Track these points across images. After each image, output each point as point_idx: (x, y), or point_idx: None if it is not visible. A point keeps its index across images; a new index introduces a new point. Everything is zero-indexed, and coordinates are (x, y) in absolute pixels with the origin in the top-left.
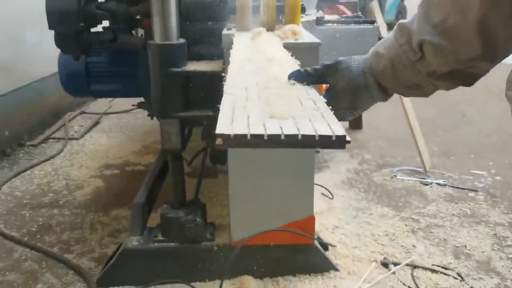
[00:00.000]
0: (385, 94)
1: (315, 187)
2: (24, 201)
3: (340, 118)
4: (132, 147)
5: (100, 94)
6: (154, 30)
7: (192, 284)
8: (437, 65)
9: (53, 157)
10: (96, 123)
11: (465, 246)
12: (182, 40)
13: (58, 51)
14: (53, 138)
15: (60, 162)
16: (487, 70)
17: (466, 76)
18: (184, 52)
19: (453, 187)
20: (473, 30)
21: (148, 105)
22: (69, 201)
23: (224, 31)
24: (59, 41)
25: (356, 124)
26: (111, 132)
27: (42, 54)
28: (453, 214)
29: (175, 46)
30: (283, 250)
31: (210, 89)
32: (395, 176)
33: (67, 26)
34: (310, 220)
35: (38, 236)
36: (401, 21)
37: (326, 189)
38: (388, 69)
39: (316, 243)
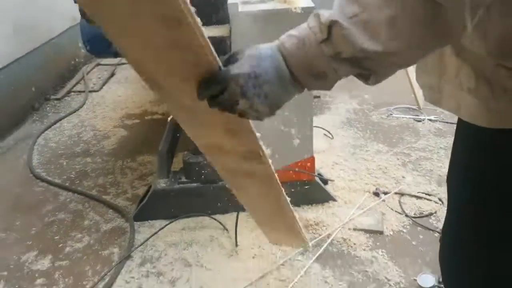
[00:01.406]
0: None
1: (317, 129)
2: (59, 152)
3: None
4: (148, 96)
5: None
6: None
7: (213, 216)
8: (341, 47)
9: (77, 109)
10: (112, 74)
11: None
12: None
13: (72, 6)
14: (74, 91)
15: (84, 114)
16: (386, 73)
17: (365, 68)
18: None
19: (443, 122)
20: (383, 26)
21: None
22: (99, 149)
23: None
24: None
25: None
26: (127, 83)
27: (58, 10)
28: (440, 147)
29: None
30: (289, 186)
31: (219, 53)
32: (391, 114)
33: None
34: (311, 160)
35: (77, 182)
36: (317, 10)
37: (327, 130)
38: (295, 49)
39: (317, 179)
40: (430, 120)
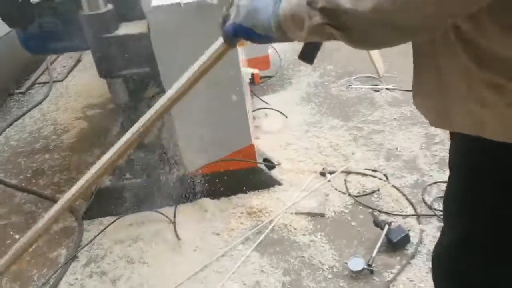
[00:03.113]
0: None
1: (272, 111)
2: (19, 150)
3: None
4: None
5: (57, 50)
6: (82, 1)
7: (158, 210)
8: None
9: (40, 102)
10: (78, 61)
11: (397, 148)
12: (110, 7)
13: None
14: (39, 83)
15: (47, 107)
16: (364, 32)
17: (339, 22)
18: (113, 17)
19: (401, 90)
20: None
21: None
22: (58, 145)
23: None
24: (5, 17)
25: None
26: (93, 69)
27: None
28: (394, 118)
29: (103, 14)
30: (233, 174)
31: (142, 48)
32: (350, 85)
33: (9, 3)
34: (250, 148)
35: (34, 181)
36: None
37: (280, 111)
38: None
39: (261, 165)
40: (387, 89)
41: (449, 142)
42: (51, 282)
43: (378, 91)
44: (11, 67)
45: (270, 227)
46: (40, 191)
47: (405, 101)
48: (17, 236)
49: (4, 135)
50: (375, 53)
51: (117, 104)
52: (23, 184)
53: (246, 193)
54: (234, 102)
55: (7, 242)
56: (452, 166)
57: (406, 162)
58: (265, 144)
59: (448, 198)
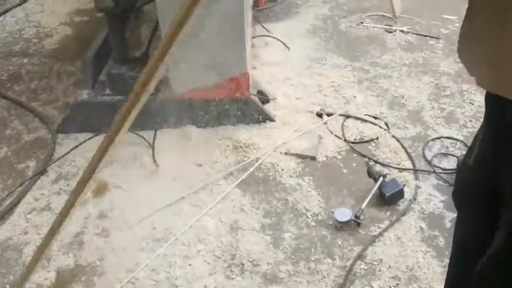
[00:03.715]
0: None
1: (274, 40)
2: None
3: None
4: None
5: None
6: None
7: (138, 132)
8: None
9: (24, 1)
10: None
11: (403, 96)
12: None
13: None
14: None
15: (31, 7)
16: None
17: None
18: None
19: (416, 34)
20: None
21: None
22: (39, 49)
23: None
24: None
25: None
26: None
27: None
28: (404, 64)
29: None
30: (223, 104)
31: None
32: (362, 23)
33: None
34: (245, 77)
35: (8, 85)
36: None
37: (282, 42)
38: None
39: (254, 98)
40: (402, 31)
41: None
42: (15, 195)
43: (391, 32)
44: None
45: (256, 164)
46: (14, 97)
47: (418, 47)
48: None
49: None
50: None
51: (100, 8)
52: None
53: (235, 125)
54: (232, 21)
55: None
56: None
57: (410, 113)
58: (261, 75)
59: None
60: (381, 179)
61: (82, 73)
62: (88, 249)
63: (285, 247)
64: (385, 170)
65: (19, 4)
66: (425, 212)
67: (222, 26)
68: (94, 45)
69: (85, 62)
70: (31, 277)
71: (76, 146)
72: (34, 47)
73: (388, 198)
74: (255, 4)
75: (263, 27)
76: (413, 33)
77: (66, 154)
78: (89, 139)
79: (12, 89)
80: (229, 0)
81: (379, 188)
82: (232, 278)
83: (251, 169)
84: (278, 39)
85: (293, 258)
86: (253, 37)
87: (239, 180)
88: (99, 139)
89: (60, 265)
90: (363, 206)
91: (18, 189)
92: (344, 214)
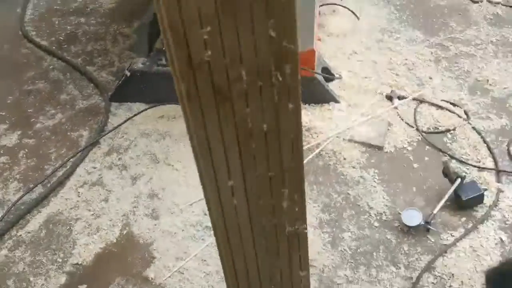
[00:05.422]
0: None
1: (342, 8)
2: (55, 7)
3: None
4: None
5: None
6: None
7: None
8: None
9: None
10: None
11: (487, 80)
12: None
13: None
14: None
15: None
16: None
17: None
18: None
19: (506, 6)
20: None
21: None
22: (96, 8)
23: None
24: None
25: None
26: None
27: None
28: (491, 42)
29: None
30: None
31: None
32: None
33: None
34: (310, 54)
35: (65, 46)
36: None
37: (351, 10)
38: None
39: (318, 76)
40: (489, 1)
41: None
42: (68, 166)
43: (476, 2)
44: None
45: (317, 151)
46: (71, 58)
47: (509, 22)
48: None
49: None
50: None
51: None
52: (54, 48)
53: None
54: None
55: (29, 111)
56: None
57: (495, 100)
58: (326, 49)
59: None
60: (458, 180)
61: (138, 37)
62: (138, 230)
63: (344, 249)
64: (462, 168)
65: None
66: (508, 222)
67: None
68: (152, 8)
69: (142, 27)
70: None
71: (129, 118)
72: (92, 5)
73: (465, 202)
74: None
75: None
76: (503, 5)
77: (118, 125)
78: (143, 110)
79: (69, 50)
80: None
81: (455, 191)
82: None
83: (311, 155)
84: (346, 8)
85: (352, 262)
86: (320, 5)
87: None
88: (154, 111)
89: (108, 243)
90: (436, 210)
91: (70, 160)
92: (413, 217)
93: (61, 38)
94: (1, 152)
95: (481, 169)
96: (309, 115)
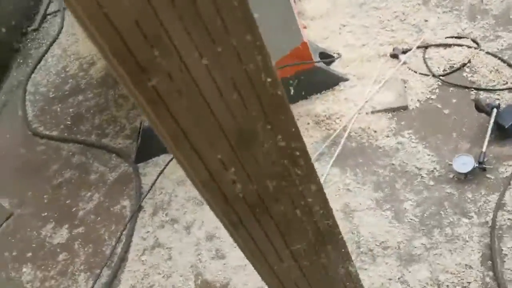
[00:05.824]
0: None
1: None
2: (51, 96)
3: None
4: None
5: None
6: None
7: None
8: None
9: (57, 37)
10: None
11: (482, 0)
12: None
13: None
14: (50, 14)
15: (65, 40)
16: None
17: None
18: None
19: None
20: None
21: None
22: (88, 81)
23: None
24: None
25: None
26: None
27: None
28: None
29: None
30: (287, 82)
31: None
32: None
33: None
34: (303, 46)
35: (75, 128)
36: None
37: None
38: None
39: (318, 64)
40: None
41: None
42: (123, 240)
43: None
44: (17, 2)
45: (346, 134)
46: (85, 138)
47: None
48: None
49: (31, 82)
50: None
51: None
52: (66, 134)
53: (307, 98)
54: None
55: (67, 202)
56: None
57: (497, 18)
58: (315, 32)
59: None
60: (494, 111)
61: None
62: (211, 275)
63: (410, 219)
64: (494, 96)
65: (53, 41)
66: None
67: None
68: None
69: None
70: None
71: (160, 172)
72: (83, 80)
73: (510, 129)
74: None
75: None
76: None
77: (153, 184)
78: (169, 161)
79: (80, 131)
80: None
81: (495, 121)
82: (365, 269)
83: (342, 141)
84: None
85: (423, 229)
86: None
87: (334, 157)
88: None
89: None
90: (484, 147)
91: (123, 232)
92: (465, 163)
93: (68, 122)
94: (58, 250)
95: (511, 89)
96: (325, 103)
